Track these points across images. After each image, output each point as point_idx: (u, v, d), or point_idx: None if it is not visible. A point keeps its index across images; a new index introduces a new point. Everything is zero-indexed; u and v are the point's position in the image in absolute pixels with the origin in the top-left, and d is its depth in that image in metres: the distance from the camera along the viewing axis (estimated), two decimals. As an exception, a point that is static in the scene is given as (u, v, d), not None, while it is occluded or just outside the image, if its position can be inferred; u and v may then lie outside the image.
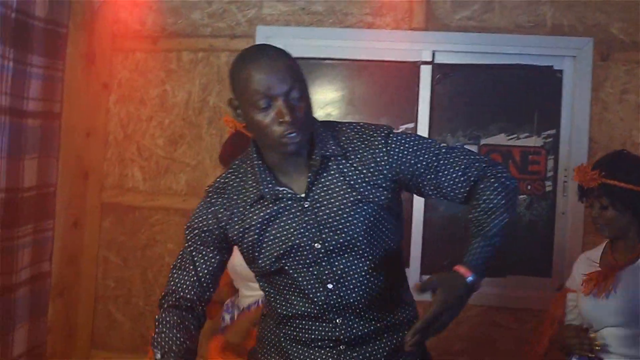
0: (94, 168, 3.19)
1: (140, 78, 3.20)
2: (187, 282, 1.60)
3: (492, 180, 1.49)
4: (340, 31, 3.08)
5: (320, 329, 1.60)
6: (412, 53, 3.07)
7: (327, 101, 3.15)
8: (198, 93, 3.17)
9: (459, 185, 1.52)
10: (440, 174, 1.53)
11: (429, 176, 1.54)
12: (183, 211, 3.14)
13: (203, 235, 1.59)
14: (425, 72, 3.06)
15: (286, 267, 1.56)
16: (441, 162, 1.53)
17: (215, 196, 1.60)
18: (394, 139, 1.56)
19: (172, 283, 1.61)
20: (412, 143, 1.56)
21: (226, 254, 1.63)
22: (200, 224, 1.59)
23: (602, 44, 2.99)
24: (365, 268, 1.56)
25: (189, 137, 3.17)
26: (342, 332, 1.59)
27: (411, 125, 3.08)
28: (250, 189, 1.57)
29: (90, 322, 3.20)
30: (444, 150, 1.55)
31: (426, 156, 1.54)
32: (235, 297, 2.42)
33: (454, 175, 1.52)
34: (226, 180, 1.61)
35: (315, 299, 1.57)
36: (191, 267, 1.60)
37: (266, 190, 1.54)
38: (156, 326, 1.58)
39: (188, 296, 1.59)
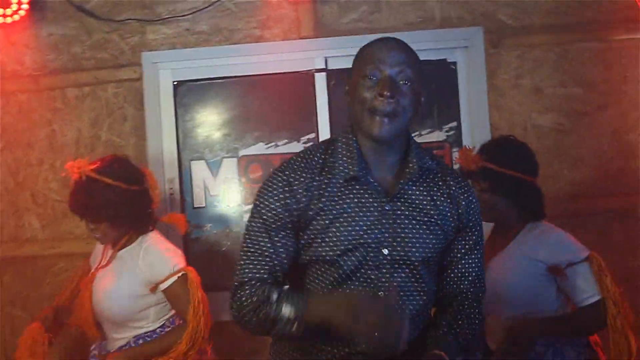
0: (-14, 222, 3.04)
1: (25, 121, 3.07)
2: (274, 262, 1.53)
3: (477, 311, 1.65)
4: (229, 48, 3.03)
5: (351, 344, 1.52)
6: (305, 62, 3.04)
7: (222, 122, 3.08)
8: (88, 129, 3.06)
9: (464, 280, 1.65)
10: (465, 261, 1.65)
11: (458, 254, 1.65)
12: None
13: (280, 218, 1.53)
14: (320, 80, 3.04)
15: (346, 264, 1.53)
16: (473, 254, 1.66)
17: (294, 176, 1.54)
18: (469, 189, 1.65)
19: (254, 266, 1.52)
20: (479, 217, 1.66)
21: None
22: (278, 208, 1.53)
23: (492, 31, 3.03)
24: (418, 287, 1.58)
25: (84, 177, 3.05)
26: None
27: (312, 135, 3.05)
28: (341, 168, 1.55)
29: (3, 384, 3.05)
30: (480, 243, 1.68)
31: (478, 239, 1.66)
32: (103, 342, 2.32)
33: (468, 273, 1.65)
34: (307, 157, 1.58)
35: None
36: (271, 248, 1.53)
37: (360, 174, 1.53)
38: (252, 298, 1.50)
39: (275, 275, 1.54)
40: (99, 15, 3.04)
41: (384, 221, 1.53)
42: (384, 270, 1.54)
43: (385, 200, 1.54)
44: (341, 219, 1.52)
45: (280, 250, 1.54)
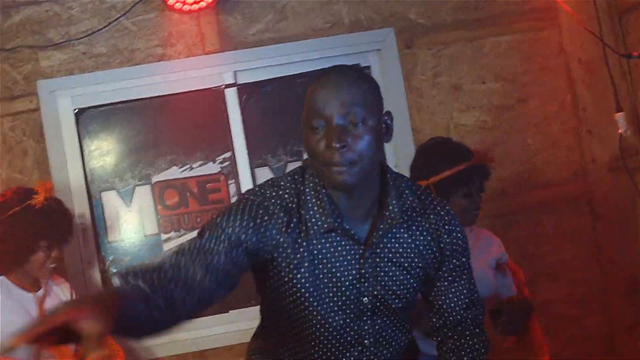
0: None
1: None
2: (186, 270, 1.27)
3: (481, 338, 1.60)
4: (130, 70, 2.89)
5: None
6: (213, 78, 2.93)
7: (131, 148, 2.94)
8: (-15, 168, 2.88)
9: (456, 309, 1.58)
10: (454, 289, 1.57)
11: (445, 282, 1.56)
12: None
13: (234, 238, 1.35)
14: (231, 95, 2.94)
15: (326, 317, 1.45)
16: (462, 279, 1.58)
17: (266, 217, 1.40)
18: (454, 220, 1.55)
19: (168, 260, 1.29)
20: (463, 241, 1.56)
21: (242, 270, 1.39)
22: (239, 232, 1.36)
23: (403, 32, 2.98)
24: (401, 329, 1.56)
25: (-15, 220, 2.86)
26: None
27: (228, 154, 2.94)
28: (317, 216, 1.42)
29: None
30: (470, 269, 1.60)
31: (462, 265, 1.57)
32: None
33: (461, 301, 1.58)
34: (281, 198, 1.43)
35: (348, 354, 1.51)
36: (201, 257, 1.30)
37: (335, 224, 1.41)
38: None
39: (171, 280, 1.24)
40: (-14, 45, 2.87)
41: (362, 270, 1.45)
42: (365, 318, 1.49)
43: (363, 248, 1.45)
44: (315, 271, 1.43)
45: (208, 262, 1.32)
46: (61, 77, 2.88)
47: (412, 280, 1.50)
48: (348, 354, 1.51)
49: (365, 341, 1.51)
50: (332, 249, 1.44)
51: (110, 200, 2.92)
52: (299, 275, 1.43)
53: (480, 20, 3.00)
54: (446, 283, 1.56)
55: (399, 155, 2.93)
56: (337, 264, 1.44)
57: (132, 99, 2.92)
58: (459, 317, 1.57)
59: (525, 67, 3.03)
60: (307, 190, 1.45)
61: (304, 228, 1.42)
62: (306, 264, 1.42)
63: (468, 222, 2.18)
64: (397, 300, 1.49)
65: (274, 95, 2.98)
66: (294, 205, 1.43)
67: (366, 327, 1.50)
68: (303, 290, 1.44)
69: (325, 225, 1.42)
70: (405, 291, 1.50)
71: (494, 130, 2.99)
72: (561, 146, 3.01)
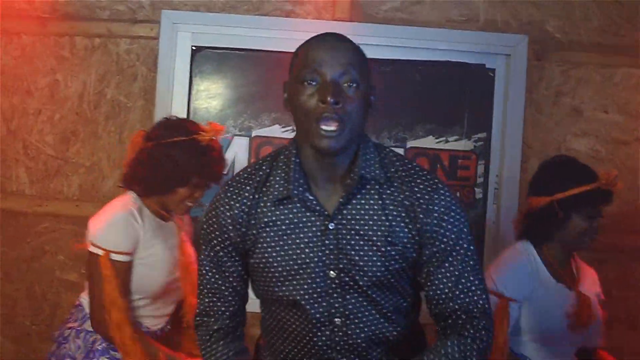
0: (-30, 168, 2.88)
1: (26, 65, 2.90)
2: (229, 297, 1.57)
3: (469, 341, 1.45)
4: (256, 19, 2.87)
5: None
6: (335, 46, 2.89)
7: (239, 97, 2.93)
8: (94, 84, 2.90)
9: (442, 297, 1.46)
10: (440, 275, 1.46)
11: (431, 267, 1.47)
12: (75, 219, 2.86)
13: (226, 243, 1.51)
14: (349, 67, 2.89)
15: (294, 293, 1.45)
16: (451, 265, 1.46)
17: (234, 196, 1.49)
18: (438, 198, 1.46)
19: (212, 301, 1.58)
20: (449, 222, 1.46)
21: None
22: (221, 232, 1.51)
23: (536, 42, 2.90)
24: (376, 314, 1.49)
25: (83, 135, 2.90)
26: None
27: (333, 125, 2.91)
28: (277, 186, 1.46)
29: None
30: (466, 253, 1.48)
31: (447, 247, 1.47)
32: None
33: (448, 289, 1.46)
34: (250, 175, 1.51)
35: (320, 333, 1.48)
36: (225, 280, 1.55)
37: (295, 192, 1.44)
38: (215, 353, 1.58)
39: (234, 310, 1.58)
40: (120, -36, 2.88)
41: (327, 242, 1.44)
42: (335, 295, 1.46)
43: (327, 217, 1.43)
44: (280, 243, 1.45)
45: (235, 282, 1.56)
46: (186, 11, 2.88)
47: (379, 255, 1.43)
48: (319, 333, 1.49)
49: (336, 320, 1.47)
50: (295, 220, 1.44)
51: (207, 144, 2.92)
52: (264, 248, 1.46)
53: (617, 47, 2.91)
54: (432, 268, 1.46)
55: (504, 164, 2.87)
56: (301, 235, 1.44)
57: (252, 48, 2.90)
58: (447, 307, 1.46)
59: (652, 105, 2.94)
60: (281, 155, 1.50)
61: (264, 198, 1.47)
62: (271, 235, 1.45)
63: (583, 246, 2.17)
64: (364, 278, 1.44)
65: (391, 77, 2.93)
66: (263, 177, 1.49)
67: (336, 305, 1.46)
68: (269, 264, 1.47)
69: (279, 194, 1.45)
70: (372, 266, 1.44)
71: (604, 163, 2.91)
72: (668, 195, 2.93)
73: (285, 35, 2.87)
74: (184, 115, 2.88)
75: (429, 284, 1.47)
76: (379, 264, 1.44)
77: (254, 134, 2.92)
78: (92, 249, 2.07)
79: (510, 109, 2.87)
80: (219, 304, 1.57)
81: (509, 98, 2.88)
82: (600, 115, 2.93)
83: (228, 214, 1.49)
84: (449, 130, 2.92)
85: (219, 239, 1.51)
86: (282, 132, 2.92)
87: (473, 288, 1.47)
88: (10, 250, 2.92)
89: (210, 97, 2.93)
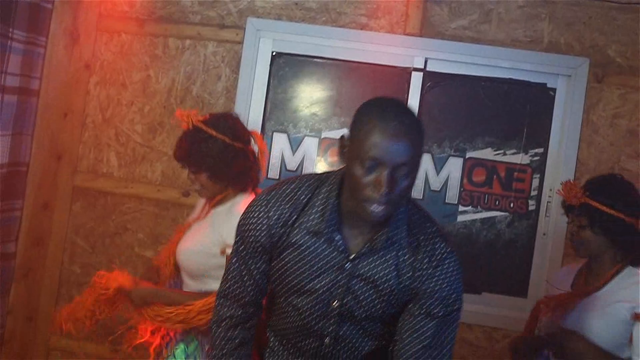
0: (68, 150, 3.28)
1: (123, 61, 3.30)
2: (249, 288, 1.78)
3: None
4: (333, 30, 3.19)
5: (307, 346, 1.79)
6: (405, 58, 3.18)
7: (313, 100, 3.25)
8: (182, 81, 3.27)
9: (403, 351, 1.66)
10: (408, 332, 1.67)
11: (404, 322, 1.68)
12: (156, 201, 3.24)
13: (257, 245, 1.72)
14: (416, 79, 3.18)
15: (299, 305, 1.72)
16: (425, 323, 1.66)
17: (274, 209, 1.68)
18: (446, 269, 1.65)
19: (233, 287, 1.79)
20: (449, 286, 1.66)
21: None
22: (255, 235, 1.71)
23: (597, 65, 3.11)
24: (364, 335, 1.74)
25: (169, 126, 3.27)
26: None
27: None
28: (312, 218, 1.66)
29: (53, 307, 3.29)
30: (443, 332, 1.67)
31: (423, 311, 1.66)
32: (179, 281, 2.48)
33: (411, 345, 1.65)
34: (293, 193, 1.69)
35: (310, 339, 1.76)
36: (249, 273, 1.76)
37: (326, 231, 1.64)
38: (217, 339, 1.81)
39: (250, 300, 1.79)
40: (215, -27, 3.24)
41: (339, 277, 1.66)
42: (332, 321, 1.71)
43: (346, 259, 1.65)
44: (301, 263, 1.67)
45: (257, 276, 1.76)
46: (269, 19, 3.21)
47: (381, 301, 1.67)
48: (308, 342, 1.76)
49: (326, 339, 1.73)
50: (319, 250, 1.65)
51: (280, 142, 3.26)
52: (286, 261, 1.69)
53: (677, 74, 3.09)
54: (411, 319, 1.66)
55: (557, 180, 3.07)
56: (319, 265, 1.66)
57: (327, 57, 3.23)
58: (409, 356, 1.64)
59: None
60: (322, 193, 1.65)
61: (299, 222, 1.66)
62: (295, 253, 1.67)
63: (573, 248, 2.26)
64: (361, 311, 1.68)
65: (455, 90, 3.19)
66: (304, 201, 1.66)
67: (330, 328, 1.72)
68: (285, 275, 1.70)
69: (312, 228, 1.64)
70: (372, 307, 1.67)
71: (656, 185, 3.09)
72: None
73: (359, 47, 3.19)
74: (261, 115, 3.22)
75: (400, 331, 1.68)
76: (378, 307, 1.68)
77: (323, 135, 3.23)
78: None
79: (568, 128, 3.09)
80: (238, 290, 1.78)
81: (567, 117, 3.10)
82: (656, 138, 3.11)
83: (265, 222, 1.68)
84: (507, 144, 3.16)
85: (251, 239, 1.72)
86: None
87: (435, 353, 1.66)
88: (97, 225, 3.31)
89: (286, 100, 3.26)
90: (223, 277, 1.83)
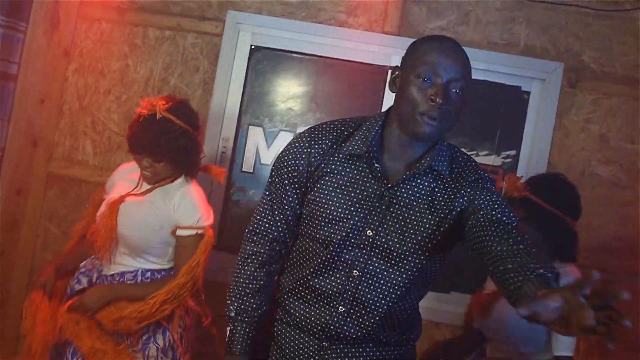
0: (44, 136, 3.31)
1: (102, 49, 3.33)
2: (279, 223, 1.80)
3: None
4: (312, 26, 3.23)
5: (319, 311, 1.76)
6: (382, 57, 3.23)
7: (289, 95, 3.29)
8: (160, 72, 3.30)
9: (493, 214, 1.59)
10: (490, 202, 1.63)
11: (485, 226, 1.58)
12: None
13: (294, 175, 1.75)
14: (393, 78, 3.21)
15: (331, 236, 1.69)
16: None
17: (316, 139, 1.73)
18: (492, 187, 1.69)
19: (262, 221, 1.82)
20: (496, 201, 1.64)
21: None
22: (293, 164, 1.74)
23: (572, 70, 3.17)
24: (392, 276, 1.70)
25: (146, 116, 3.29)
26: (336, 323, 1.74)
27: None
28: (354, 143, 1.69)
29: (24, 292, 3.32)
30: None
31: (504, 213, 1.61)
32: (95, 261, 2.49)
33: (499, 205, 1.62)
34: (336, 127, 1.74)
35: (334, 277, 1.72)
36: (281, 207, 1.79)
37: (367, 154, 1.67)
38: (241, 277, 1.83)
39: (278, 236, 1.81)
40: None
41: (377, 204, 1.67)
42: (364, 251, 1.69)
43: (384, 187, 1.67)
44: (337, 191, 1.68)
45: (288, 211, 1.78)
46: (250, 13, 3.25)
47: (419, 236, 1.66)
48: (335, 277, 1.72)
49: (355, 271, 1.70)
50: (357, 177, 1.68)
51: (255, 135, 3.30)
52: (322, 190, 1.70)
53: (648, 82, 3.15)
54: (479, 199, 1.64)
55: (528, 183, 3.14)
56: (357, 191, 1.67)
57: (305, 52, 3.27)
58: (505, 220, 1.56)
59: (677, 141, 3.16)
60: (365, 126, 1.71)
61: (340, 151, 1.70)
62: (332, 181, 1.69)
63: None
64: (395, 242, 1.66)
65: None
66: (346, 134, 1.72)
67: (361, 259, 1.69)
68: (320, 204, 1.70)
69: (353, 150, 1.68)
70: (405, 237, 1.66)
71: (625, 190, 3.16)
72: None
73: (337, 44, 3.23)
74: (238, 108, 3.26)
75: (480, 211, 1.61)
76: (414, 241, 1.66)
77: (298, 130, 3.27)
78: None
79: (540, 131, 3.15)
80: (267, 225, 1.80)
81: (540, 120, 3.16)
82: (626, 145, 3.17)
83: (306, 150, 1.72)
84: (480, 144, 3.21)
85: (289, 169, 1.74)
86: None
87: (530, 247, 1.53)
88: (71, 213, 3.35)
89: (263, 94, 3.30)
90: (253, 216, 1.86)
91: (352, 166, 1.69)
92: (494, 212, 1.59)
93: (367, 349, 1.78)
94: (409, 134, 1.64)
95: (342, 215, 1.69)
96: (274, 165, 1.80)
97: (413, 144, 1.67)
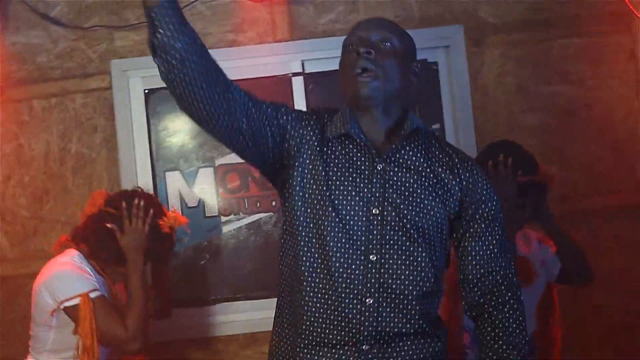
0: (-48, 242, 3.09)
1: (-11, 135, 3.13)
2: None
3: (512, 312, 1.64)
4: (201, 54, 3.09)
5: (347, 310, 1.56)
6: (281, 66, 3.13)
7: (199, 130, 3.10)
8: (57, 142, 3.13)
9: (478, 267, 1.65)
10: (485, 239, 1.65)
11: (475, 230, 1.66)
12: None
13: (292, 115, 1.68)
14: (298, 84, 3.13)
15: (331, 221, 1.57)
16: (494, 232, 1.66)
17: (312, 119, 1.70)
18: (478, 170, 1.69)
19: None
20: (491, 192, 1.68)
21: (277, 139, 1.64)
22: (301, 112, 1.72)
23: (473, 30, 3.13)
24: (411, 258, 1.59)
25: (55, 192, 3.12)
26: (370, 317, 1.57)
27: (291, 142, 3.13)
28: (338, 124, 1.66)
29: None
30: (503, 227, 1.69)
31: (491, 214, 1.67)
32: None
33: (484, 256, 1.65)
34: (317, 112, 1.75)
35: (351, 268, 1.56)
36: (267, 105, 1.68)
37: (352, 130, 1.61)
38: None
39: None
40: (64, 23, 3.11)
41: (374, 181, 1.59)
42: (375, 232, 1.57)
43: (377, 160, 1.60)
44: (330, 173, 1.61)
45: (264, 109, 1.66)
46: (134, 57, 3.11)
47: (426, 201, 1.59)
48: (354, 266, 1.56)
49: (372, 256, 1.57)
50: (346, 155, 1.62)
51: (174, 180, 3.15)
52: (314, 173, 1.62)
53: (550, 22, 3.13)
54: (476, 230, 1.64)
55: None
56: (350, 170, 1.61)
57: (201, 82, 3.12)
58: (488, 284, 1.63)
59: (593, 71, 3.15)
60: (336, 113, 1.72)
61: (324, 133, 1.66)
62: (322, 165, 1.61)
63: (513, 229, 2.29)
64: (408, 216, 1.57)
65: (338, 86, 3.14)
66: (325, 120, 1.70)
67: (374, 242, 1.57)
68: (319, 189, 1.60)
69: (338, 130, 1.64)
70: (418, 209, 1.58)
71: (557, 134, 3.13)
72: (625, 154, 3.14)
73: (233, 65, 3.09)
74: (148, 158, 3.11)
75: (474, 245, 1.64)
76: (423, 207, 1.59)
77: (217, 163, 3.14)
78: (67, 304, 2.22)
79: (458, 98, 3.11)
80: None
81: (455, 87, 3.12)
82: (545, 88, 3.15)
83: (314, 119, 1.70)
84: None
85: (297, 116, 1.69)
86: None
87: (508, 257, 1.68)
88: (6, 314, 3.13)
89: (170, 136, 3.16)
90: None
91: (339, 147, 1.64)
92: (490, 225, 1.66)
93: (414, 345, 1.61)
94: (353, 101, 1.61)
95: (341, 197, 1.58)
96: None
97: (380, 114, 1.64)
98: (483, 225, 1.64)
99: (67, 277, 2.25)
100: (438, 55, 3.16)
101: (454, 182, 1.63)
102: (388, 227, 1.58)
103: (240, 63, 3.11)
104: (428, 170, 1.62)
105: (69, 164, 3.11)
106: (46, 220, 3.13)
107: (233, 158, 3.13)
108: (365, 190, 1.59)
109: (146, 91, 3.14)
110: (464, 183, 1.64)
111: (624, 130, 3.15)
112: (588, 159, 3.14)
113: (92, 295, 2.21)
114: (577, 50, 3.15)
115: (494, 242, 1.65)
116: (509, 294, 1.65)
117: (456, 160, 1.66)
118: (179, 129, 3.16)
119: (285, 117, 1.66)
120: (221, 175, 3.14)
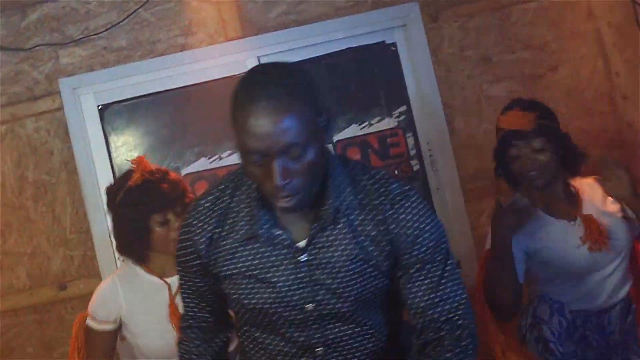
0: None
1: (-60, 172, 3.02)
2: (201, 306, 1.65)
3: (451, 347, 1.50)
4: (152, 62, 3.03)
5: None
6: (237, 65, 3.03)
7: (159, 141, 3.08)
8: (13, 171, 3.02)
9: (422, 305, 1.51)
10: (419, 282, 1.51)
11: (409, 276, 1.51)
12: (33, 307, 3.00)
13: (188, 264, 1.58)
14: (256, 82, 3.05)
15: (271, 325, 1.53)
16: (429, 272, 1.51)
17: (196, 230, 1.53)
18: (409, 206, 1.49)
19: (187, 307, 1.67)
20: (425, 230, 1.50)
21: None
22: (182, 254, 1.58)
23: (428, 6, 3.09)
24: (361, 333, 1.54)
25: (17, 223, 3.02)
26: None
27: (257, 141, 3.06)
28: (242, 223, 1.49)
29: None
30: (445, 260, 1.52)
31: (426, 254, 1.50)
32: None
33: (427, 295, 1.51)
34: (213, 204, 1.52)
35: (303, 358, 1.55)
36: (195, 293, 1.63)
37: (261, 231, 1.46)
38: (179, 348, 1.67)
39: (209, 318, 1.66)
40: (4, 46, 3.00)
41: (301, 275, 1.47)
42: (315, 326, 1.52)
43: (299, 250, 1.47)
44: (252, 280, 1.49)
45: (203, 290, 1.61)
46: (82, 73, 3.01)
47: (356, 277, 1.48)
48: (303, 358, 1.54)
49: (318, 350, 1.53)
50: (264, 258, 1.47)
51: (141, 195, 3.05)
52: (233, 284, 1.51)
53: (506, -13, 3.11)
54: (411, 276, 1.51)
55: (432, 130, 3.05)
56: (272, 270, 1.47)
57: (156, 91, 3.06)
58: (427, 317, 1.51)
59: (555, 33, 3.13)
60: (243, 192, 1.50)
61: (229, 235, 1.50)
62: (241, 272, 1.49)
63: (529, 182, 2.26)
64: (345, 304, 1.49)
65: (299, 79, 3.09)
66: (224, 211, 1.51)
67: (317, 336, 1.52)
68: (246, 301, 1.51)
69: (246, 234, 1.47)
70: (350, 290, 1.48)
71: (526, 101, 3.10)
72: (595, 113, 3.13)
73: (185, 69, 3.05)
74: (111, 175, 3.02)
75: (408, 293, 1.51)
76: (357, 285, 1.48)
77: (183, 172, 3.07)
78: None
79: (421, 76, 3.06)
80: (197, 301, 1.64)
81: (417, 65, 3.07)
82: (509, 56, 3.12)
83: (191, 242, 1.53)
84: (369, 113, 3.10)
85: (184, 258, 1.57)
86: (210, 163, 3.08)
87: (453, 294, 1.51)
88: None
89: (130, 150, 3.07)
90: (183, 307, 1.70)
91: (253, 249, 1.48)
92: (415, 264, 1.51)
93: None
94: (275, 207, 1.45)
95: (270, 302, 1.49)
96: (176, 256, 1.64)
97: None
98: (416, 270, 1.50)
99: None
100: (396, 35, 3.11)
101: (383, 242, 1.49)
102: (327, 318, 1.51)
103: (194, 67, 3.04)
104: (354, 245, 1.47)
105: (28, 192, 3.01)
106: (11, 254, 3.02)
107: (199, 166, 3.07)
108: (294, 287, 1.48)
109: (100, 107, 3.05)
110: (392, 236, 1.48)
111: (591, 89, 3.14)
112: (559, 121, 3.11)
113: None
114: (535, 14, 3.12)
115: (432, 284, 1.51)
116: (452, 332, 1.52)
117: (386, 209, 1.49)
118: (140, 142, 3.07)
119: (200, 272, 1.59)
120: (189, 185, 3.05)
